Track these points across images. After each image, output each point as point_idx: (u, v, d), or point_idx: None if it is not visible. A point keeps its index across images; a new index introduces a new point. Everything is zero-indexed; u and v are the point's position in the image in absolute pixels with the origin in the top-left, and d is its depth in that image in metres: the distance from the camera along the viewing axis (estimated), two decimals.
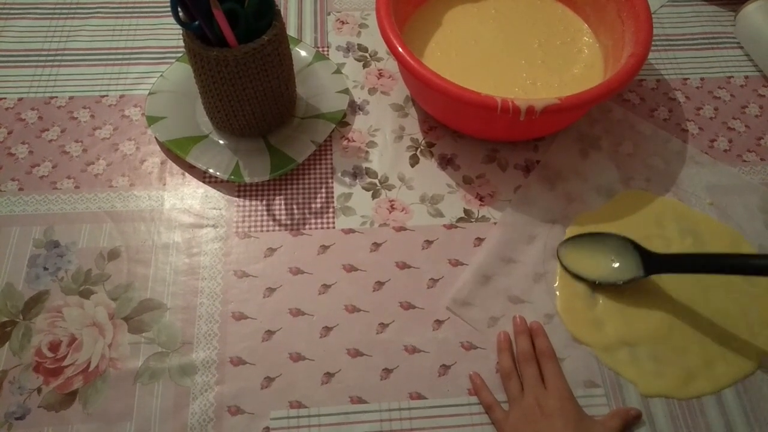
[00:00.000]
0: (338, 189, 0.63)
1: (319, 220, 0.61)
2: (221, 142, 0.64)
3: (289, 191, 0.63)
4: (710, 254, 0.56)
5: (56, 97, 0.68)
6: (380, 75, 0.72)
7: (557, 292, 0.58)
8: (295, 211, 0.62)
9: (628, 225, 0.61)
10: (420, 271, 0.59)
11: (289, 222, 0.61)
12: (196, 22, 0.53)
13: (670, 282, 0.57)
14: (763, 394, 0.53)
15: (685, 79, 0.73)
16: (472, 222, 0.62)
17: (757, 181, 0.65)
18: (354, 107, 0.69)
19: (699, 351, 0.54)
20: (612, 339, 0.55)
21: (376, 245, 0.60)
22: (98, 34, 0.73)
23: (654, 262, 0.55)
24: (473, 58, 0.68)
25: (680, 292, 0.57)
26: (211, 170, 0.62)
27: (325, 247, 0.60)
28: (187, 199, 0.62)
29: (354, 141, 0.67)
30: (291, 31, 0.75)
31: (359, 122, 0.68)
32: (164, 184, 0.63)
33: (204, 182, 0.63)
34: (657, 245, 0.57)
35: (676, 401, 0.53)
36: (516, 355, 0.54)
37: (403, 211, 0.62)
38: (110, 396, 0.52)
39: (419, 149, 0.66)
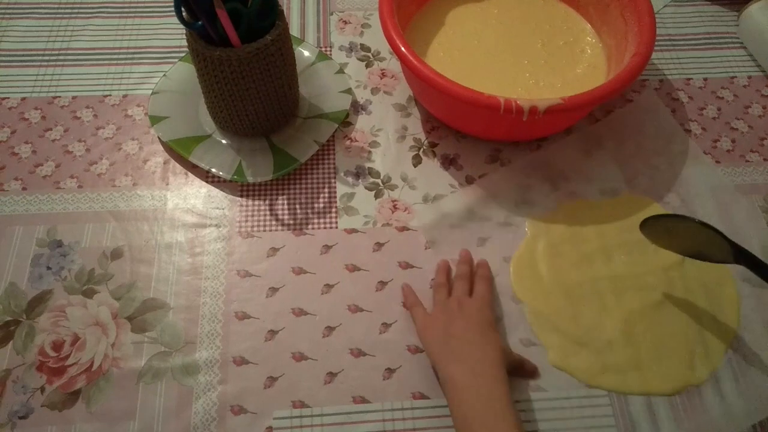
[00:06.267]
0: (341, 189, 0.63)
1: (321, 220, 0.61)
2: (224, 141, 0.64)
3: (291, 191, 0.63)
4: None
5: (59, 96, 0.68)
6: (383, 75, 0.72)
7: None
8: (298, 211, 0.62)
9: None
10: (422, 270, 0.59)
11: (291, 222, 0.61)
12: (200, 22, 0.53)
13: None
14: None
15: (688, 79, 0.73)
16: (474, 222, 0.62)
17: (761, 181, 0.65)
18: (357, 107, 0.69)
19: (631, 353, 0.55)
20: (547, 291, 0.58)
21: (379, 245, 0.60)
22: (101, 34, 0.74)
23: (742, 256, 0.51)
24: (476, 58, 0.68)
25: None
26: (214, 170, 0.62)
27: (327, 247, 0.60)
28: (190, 198, 0.62)
29: (357, 141, 0.67)
30: (294, 31, 0.75)
31: (362, 122, 0.68)
32: (167, 184, 0.63)
33: (207, 182, 0.63)
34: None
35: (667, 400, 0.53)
36: (453, 275, 0.58)
37: (405, 211, 0.62)
38: (113, 395, 0.52)
39: (422, 149, 0.66)
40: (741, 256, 0.50)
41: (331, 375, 0.53)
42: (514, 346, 0.55)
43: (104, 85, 0.70)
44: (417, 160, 0.66)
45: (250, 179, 0.62)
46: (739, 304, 0.57)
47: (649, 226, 0.55)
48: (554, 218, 0.62)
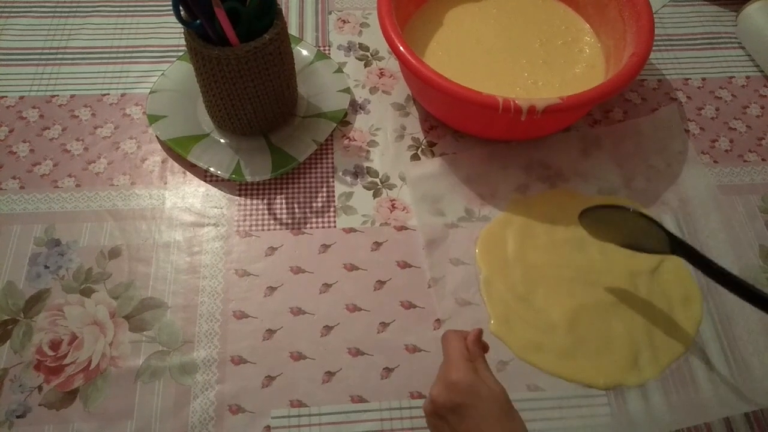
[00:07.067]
0: (339, 188, 0.63)
1: (320, 219, 0.61)
2: (222, 140, 0.64)
3: (290, 190, 0.63)
4: (726, 272, 0.49)
5: (57, 95, 0.68)
6: (381, 74, 0.72)
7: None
8: (296, 210, 0.62)
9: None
10: (421, 270, 0.59)
11: (290, 221, 0.61)
12: (198, 21, 0.53)
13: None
14: None
15: (687, 79, 0.73)
16: (472, 221, 0.62)
17: (759, 181, 0.65)
18: (355, 106, 0.69)
19: (570, 342, 0.55)
20: (508, 266, 0.58)
21: (377, 244, 0.60)
22: (99, 33, 0.74)
23: (679, 246, 0.51)
24: (475, 57, 0.68)
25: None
26: (212, 169, 0.62)
27: (326, 246, 0.60)
28: (188, 197, 0.62)
29: (355, 140, 0.67)
30: (292, 30, 0.75)
31: (360, 121, 0.68)
32: (165, 183, 0.63)
33: (205, 181, 0.63)
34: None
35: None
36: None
37: (404, 210, 0.62)
38: (111, 394, 0.52)
39: (420, 148, 0.66)
40: (677, 246, 0.50)
41: (329, 374, 0.53)
42: (458, 301, 0.56)
43: (102, 83, 0.70)
44: (415, 160, 0.66)
45: (249, 178, 0.62)
46: (698, 326, 0.56)
47: (588, 216, 0.55)
48: (536, 201, 0.63)
